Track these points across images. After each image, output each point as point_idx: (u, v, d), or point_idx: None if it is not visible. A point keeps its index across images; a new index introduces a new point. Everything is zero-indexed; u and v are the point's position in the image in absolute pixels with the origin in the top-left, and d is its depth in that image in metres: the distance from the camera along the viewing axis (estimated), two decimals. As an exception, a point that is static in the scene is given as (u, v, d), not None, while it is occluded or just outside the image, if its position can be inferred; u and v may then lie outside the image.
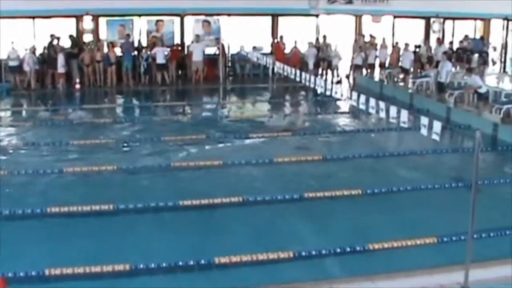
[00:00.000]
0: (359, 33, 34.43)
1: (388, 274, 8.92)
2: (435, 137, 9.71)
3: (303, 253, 9.83)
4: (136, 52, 29.15)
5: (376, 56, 31.35)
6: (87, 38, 29.26)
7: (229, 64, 31.99)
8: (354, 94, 13.65)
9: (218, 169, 15.02)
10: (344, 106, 23.00)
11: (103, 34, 29.87)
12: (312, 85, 17.28)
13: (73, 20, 29.32)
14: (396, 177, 14.84)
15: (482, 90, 21.41)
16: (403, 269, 9.13)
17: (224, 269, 9.48)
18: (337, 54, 31.47)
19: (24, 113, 23.06)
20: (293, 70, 19.19)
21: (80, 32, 29.39)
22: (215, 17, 31.44)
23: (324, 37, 32.29)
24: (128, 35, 29.14)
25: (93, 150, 16.65)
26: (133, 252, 9.97)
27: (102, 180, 14.01)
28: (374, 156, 16.46)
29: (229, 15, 31.39)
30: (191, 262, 9.44)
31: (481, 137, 8.11)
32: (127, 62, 28.35)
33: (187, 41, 30.90)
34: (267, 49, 32.02)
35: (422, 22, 36.03)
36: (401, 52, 29.87)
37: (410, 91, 26.18)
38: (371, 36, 33.23)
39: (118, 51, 28.72)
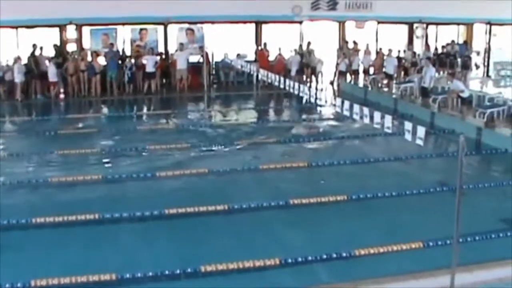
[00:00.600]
0: (342, 39, 34.54)
1: (374, 279, 8.94)
2: (419, 142, 9.77)
3: (289, 260, 9.82)
4: (120, 61, 29.08)
5: (360, 62, 31.43)
6: (71, 47, 29.21)
7: (213, 72, 31.97)
8: (339, 100, 13.69)
9: (203, 177, 15.01)
10: (328, 112, 23.03)
11: (86, 43, 29.84)
12: (296, 92, 17.30)
13: (57, 29, 29.28)
14: (381, 182, 14.84)
15: (465, 95, 21.52)
16: (389, 274, 9.14)
17: (210, 277, 9.46)
18: (320, 60, 31.54)
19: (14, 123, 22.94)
20: (277, 77, 19.21)
21: (63, 42, 29.35)
22: (199, 25, 31.45)
23: (309, 43, 32.36)
24: (112, 44, 29.11)
25: (78, 159, 16.60)
26: (119, 261, 9.92)
27: (87, 189, 13.96)
28: (359, 162, 16.48)
29: (212, 23, 31.41)
30: (177, 271, 9.42)
31: (465, 141, 8.14)
32: (112, 71, 28.28)
33: (171, 50, 30.85)
34: (251, 56, 32.06)
35: (405, 28, 36.19)
36: (385, 58, 29.96)
37: (394, 96, 26.27)
38: (354, 42, 33.36)
39: (102, 60, 28.65)
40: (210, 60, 30.96)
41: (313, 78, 31.74)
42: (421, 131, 9.71)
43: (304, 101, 24.09)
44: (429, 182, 14.60)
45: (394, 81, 28.23)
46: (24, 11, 26.35)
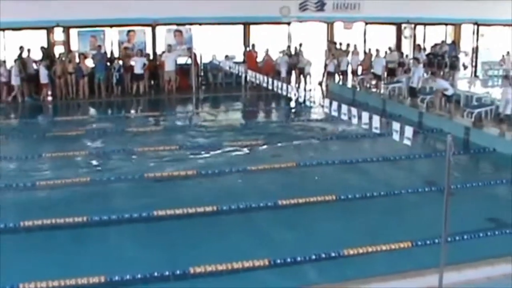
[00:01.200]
0: (330, 40, 34.58)
1: (363, 279, 8.95)
2: (407, 142, 9.79)
3: (278, 261, 9.81)
4: (108, 63, 29.01)
5: (348, 63, 31.46)
6: (58, 49, 29.13)
7: (202, 74, 31.93)
8: (327, 101, 13.71)
9: (192, 178, 14.99)
10: (317, 113, 23.04)
11: (74, 45, 29.75)
12: (284, 93, 17.31)
13: (44, 32, 29.21)
14: (370, 182, 14.88)
15: (449, 93, 21.55)
16: (378, 274, 9.15)
17: (199, 279, 9.45)
18: (308, 61, 31.56)
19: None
20: (266, 78, 19.21)
21: (51, 44, 29.27)
22: (187, 27, 31.42)
23: (300, 45, 32.38)
24: (100, 46, 29.03)
25: (66, 162, 16.55)
26: (108, 264, 9.91)
27: (76, 192, 13.91)
28: (348, 162, 16.51)
29: (200, 24, 31.39)
30: (167, 273, 9.40)
31: (453, 141, 8.16)
32: (100, 73, 28.18)
33: (159, 51, 30.80)
34: (240, 57, 32.04)
35: (393, 28, 36.27)
36: (373, 59, 29.99)
37: (382, 96, 26.31)
38: (340, 44, 33.45)
39: (90, 62, 28.57)
40: (199, 61, 30.93)
41: (302, 79, 31.75)
42: (409, 131, 9.73)
43: (292, 102, 24.19)
44: (418, 182, 14.66)
45: (383, 82, 28.25)
46: (11, 13, 26.18)
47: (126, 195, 13.73)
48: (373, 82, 29.18)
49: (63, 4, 27.15)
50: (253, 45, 32.10)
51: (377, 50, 29.71)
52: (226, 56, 30.17)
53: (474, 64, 37.61)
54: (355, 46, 32.87)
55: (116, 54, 29.92)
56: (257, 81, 20.17)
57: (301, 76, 31.64)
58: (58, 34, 29.27)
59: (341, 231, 11.44)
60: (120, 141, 18.94)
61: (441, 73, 29.02)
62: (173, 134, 20.24)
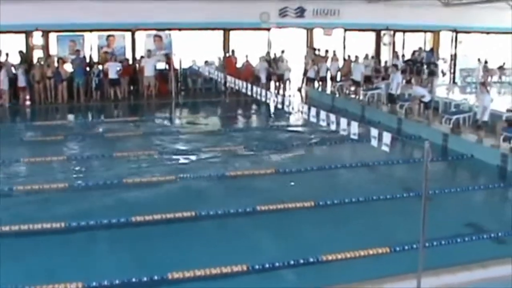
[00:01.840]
0: (310, 46, 34.66)
1: (341, 285, 8.96)
2: (385, 148, 9.81)
3: (257, 266, 9.81)
4: (87, 68, 28.91)
5: (327, 69, 31.53)
6: (37, 54, 29.00)
7: (181, 79, 31.89)
8: (306, 107, 13.73)
9: (171, 184, 14.96)
10: (296, 119, 23.08)
11: (53, 49, 29.63)
12: (264, 99, 17.33)
13: (23, 35, 29.06)
14: (348, 188, 14.94)
15: (426, 99, 21.65)
16: (357, 279, 9.16)
17: (177, 284, 9.42)
18: (288, 67, 31.65)
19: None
20: (245, 84, 19.22)
21: (30, 48, 29.13)
22: (167, 32, 31.40)
23: (282, 51, 32.45)
24: (79, 51, 28.95)
25: (44, 167, 16.46)
26: (86, 270, 9.85)
27: (53, 198, 13.83)
28: (326, 168, 16.56)
29: (180, 29, 31.38)
30: (145, 278, 9.36)
31: (432, 147, 8.21)
32: (79, 78, 28.10)
33: (139, 56, 30.73)
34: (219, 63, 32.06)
35: (373, 35, 36.43)
36: (352, 65, 30.06)
37: (361, 103, 26.39)
38: (319, 50, 33.58)
39: (69, 66, 28.47)
40: (178, 67, 30.88)
41: (281, 85, 31.82)
42: (387, 137, 9.76)
43: (271, 108, 24.21)
44: (396, 188, 14.70)
45: (362, 88, 28.33)
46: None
47: (105, 201, 13.65)
48: (352, 88, 29.26)
49: (42, 8, 27.04)
50: (232, 51, 32.14)
51: (356, 57, 29.79)
52: (206, 62, 30.17)
53: (452, 71, 37.83)
54: (334, 52, 32.97)
55: (95, 59, 29.82)
56: (237, 87, 20.18)
57: (281, 82, 31.72)
58: (37, 38, 29.11)
59: (319, 236, 11.45)
60: (98, 146, 18.88)
61: (420, 79, 29.17)
62: (151, 139, 20.18)
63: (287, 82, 32.02)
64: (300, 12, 33.32)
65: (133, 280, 9.31)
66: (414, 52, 33.37)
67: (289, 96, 29.07)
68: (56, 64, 28.14)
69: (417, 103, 22.12)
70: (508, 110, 19.80)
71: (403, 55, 33.54)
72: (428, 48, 36.54)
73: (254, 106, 27.53)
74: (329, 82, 31.75)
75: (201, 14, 30.06)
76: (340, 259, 10.20)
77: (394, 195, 13.89)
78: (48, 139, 19.82)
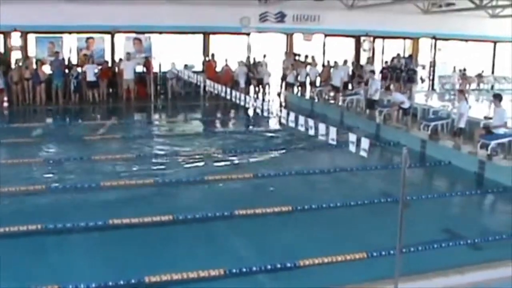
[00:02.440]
0: (290, 51, 34.76)
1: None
2: (363, 153, 9.84)
3: (234, 270, 9.79)
4: (66, 70, 28.79)
5: (307, 74, 31.62)
6: (16, 55, 28.84)
7: (161, 82, 31.83)
8: (285, 112, 13.75)
9: (148, 187, 14.91)
10: (274, 123, 23.11)
11: (32, 51, 29.48)
12: (243, 103, 17.34)
13: (1, 36, 28.91)
14: (326, 193, 14.98)
15: (406, 106, 21.74)
16: (334, 285, 9.16)
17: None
18: (267, 72, 31.73)
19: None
20: (224, 88, 19.24)
21: (8, 49, 28.97)
22: (147, 35, 31.35)
23: (264, 56, 32.51)
24: (58, 53, 28.82)
25: (21, 169, 16.34)
26: (62, 273, 9.78)
27: (30, 200, 13.73)
28: (304, 173, 16.58)
29: (160, 33, 31.34)
30: (121, 282, 9.31)
31: (410, 154, 8.24)
32: (57, 80, 28.00)
33: (118, 59, 30.65)
34: (199, 67, 32.07)
35: (352, 41, 36.58)
36: (331, 70, 30.14)
37: (340, 108, 26.46)
38: (298, 55, 33.69)
39: (47, 68, 28.34)
40: (157, 70, 30.84)
41: (261, 89, 31.91)
42: (365, 143, 9.78)
43: (251, 112, 24.23)
44: (374, 194, 14.73)
45: (341, 93, 28.40)
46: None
47: (82, 204, 13.57)
48: (332, 93, 29.36)
49: (21, 9, 26.89)
50: (212, 55, 32.17)
51: (336, 62, 29.87)
52: (185, 65, 30.17)
53: (431, 77, 38.05)
54: (313, 57, 33.07)
55: (74, 61, 29.69)
56: (216, 91, 20.20)
57: (260, 86, 31.79)
58: (16, 40, 28.95)
59: (297, 241, 11.43)
60: (76, 149, 18.79)
61: (400, 86, 29.32)
62: (130, 143, 20.11)
63: (267, 86, 32.09)
64: (281, 17, 33.41)
65: (110, 283, 9.25)
66: (393, 58, 33.48)
67: (269, 100, 29.15)
68: (34, 66, 28.02)
69: (396, 109, 22.20)
70: (485, 117, 19.90)
71: (386, 62, 33.67)
72: (407, 55, 36.72)
73: (233, 110, 27.54)
74: (308, 87, 31.83)
75: (181, 18, 30.08)
76: (317, 264, 10.18)
77: (371, 200, 13.90)
78: (26, 141, 19.69)
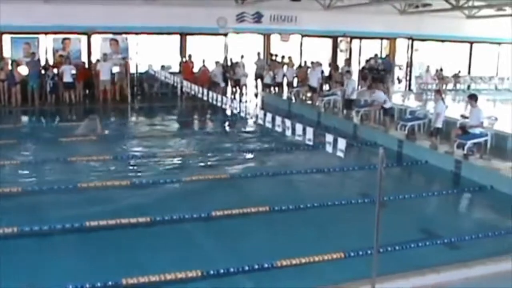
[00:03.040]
0: (267, 52, 34.79)
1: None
2: (340, 154, 9.85)
3: (211, 272, 9.77)
4: (43, 71, 28.62)
5: (284, 75, 31.66)
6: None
7: (138, 83, 31.74)
8: (262, 113, 13.75)
9: (125, 189, 14.85)
10: (251, 124, 23.11)
11: (7, 52, 29.28)
12: (220, 104, 17.33)
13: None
14: (303, 194, 14.99)
15: (388, 105, 21.78)
16: (311, 285, 9.16)
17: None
18: (244, 73, 31.76)
19: None
20: (201, 89, 19.22)
21: (-18, 50, 28.81)
22: (123, 36, 31.25)
23: (242, 56, 32.52)
24: (34, 54, 28.63)
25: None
26: (39, 276, 9.71)
27: (5, 202, 13.61)
28: (281, 173, 16.58)
29: (137, 33, 31.24)
30: (98, 284, 9.26)
31: (387, 153, 8.26)
32: (33, 81, 27.81)
33: (95, 60, 30.52)
34: (176, 68, 32.03)
35: (329, 41, 36.67)
36: (308, 71, 30.18)
37: (317, 109, 26.48)
38: (275, 55, 33.76)
39: (23, 69, 28.15)
40: (134, 71, 30.77)
41: (238, 90, 31.94)
42: (341, 143, 9.80)
43: (227, 113, 24.21)
44: (351, 194, 14.77)
45: (318, 94, 28.44)
46: None
47: (59, 205, 13.47)
48: (309, 94, 29.40)
49: (-4, 9, 26.71)
50: (189, 56, 32.13)
51: (313, 63, 29.91)
52: (162, 66, 30.11)
53: (408, 78, 38.22)
54: (290, 58, 33.13)
55: (50, 62, 29.53)
56: (193, 92, 20.16)
57: (237, 87, 31.81)
58: (-10, 40, 28.79)
59: (274, 242, 11.42)
60: (52, 150, 18.67)
61: (377, 86, 29.46)
62: (106, 144, 20.02)
63: (244, 87, 32.11)
64: (258, 17, 33.46)
65: (87, 286, 9.19)
66: (370, 59, 33.59)
67: (246, 101, 29.17)
68: (10, 67, 27.82)
69: (378, 109, 22.23)
70: (462, 116, 19.98)
71: (367, 60, 33.76)
72: (384, 55, 36.88)
73: (210, 111, 27.51)
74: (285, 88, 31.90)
75: (158, 19, 30.05)
76: (295, 265, 10.18)
77: (349, 200, 13.94)
78: (1, 143, 19.53)
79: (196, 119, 27.31)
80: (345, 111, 24.82)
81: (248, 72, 32.51)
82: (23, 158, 17.84)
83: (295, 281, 9.55)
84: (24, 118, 26.04)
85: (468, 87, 39.00)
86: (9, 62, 28.21)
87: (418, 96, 31.15)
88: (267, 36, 35.11)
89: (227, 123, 25.38)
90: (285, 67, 32.46)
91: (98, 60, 29.95)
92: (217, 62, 31.85)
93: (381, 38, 38.05)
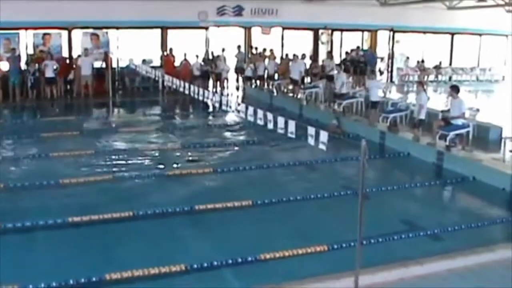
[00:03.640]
0: (249, 45, 34.75)
1: (278, 284, 8.96)
2: (322, 146, 9.84)
3: (195, 266, 9.76)
4: (25, 66, 28.46)
5: (265, 68, 31.63)
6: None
7: (119, 78, 31.62)
8: (244, 106, 13.74)
9: (108, 184, 14.81)
10: (233, 118, 23.10)
11: (-13, 48, 29.12)
12: (201, 98, 17.30)
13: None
14: (286, 187, 14.99)
15: (375, 99, 21.68)
16: (295, 278, 9.17)
17: (115, 285, 9.32)
18: (226, 66, 31.72)
19: None
20: (183, 83, 19.17)
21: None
22: (104, 30, 31.10)
23: (223, 50, 32.47)
24: (14, 49, 28.44)
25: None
26: (22, 272, 9.68)
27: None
28: (264, 167, 16.59)
29: (117, 28, 31.11)
30: (82, 280, 9.23)
31: (369, 146, 8.26)
32: (14, 76, 27.63)
33: (76, 55, 30.36)
34: (157, 62, 31.95)
35: (311, 34, 36.67)
36: (290, 64, 30.15)
37: (299, 101, 26.48)
38: (255, 48, 33.75)
39: (3, 65, 27.97)
40: (115, 65, 30.65)
41: (219, 83, 31.90)
42: (324, 136, 9.79)
43: (209, 106, 24.18)
44: (333, 186, 14.78)
45: (299, 87, 28.41)
46: None
47: (41, 201, 13.42)
48: (290, 87, 29.40)
49: (-25, 5, 26.50)
50: (170, 50, 32.04)
51: (295, 55, 29.89)
52: (143, 60, 30.01)
53: (389, 69, 38.28)
54: (271, 51, 33.09)
55: (31, 58, 29.35)
56: (174, 86, 20.11)
57: (219, 80, 31.77)
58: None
59: (257, 235, 11.43)
60: (34, 146, 18.60)
61: (358, 78, 29.59)
62: (88, 139, 19.93)
63: (225, 80, 32.08)
64: (238, 10, 33.41)
65: (71, 281, 9.17)
66: (351, 50, 33.57)
67: (227, 94, 29.14)
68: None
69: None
70: (442, 111, 20.02)
71: (347, 53, 33.78)
72: (365, 47, 36.93)
73: (191, 105, 27.49)
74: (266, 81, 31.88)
75: (138, 13, 29.94)
76: (279, 258, 10.21)
77: (331, 193, 13.96)
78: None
79: (177, 113, 27.24)
80: (327, 104, 24.90)
81: (229, 65, 32.43)
82: (4, 154, 17.77)
83: (279, 275, 9.54)
84: (5, 114, 25.78)
85: (450, 78, 39.16)
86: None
87: (400, 88, 31.21)
88: (248, 29, 35.04)
89: (208, 117, 25.32)
90: (266, 60, 32.38)
91: (79, 55, 29.77)
92: (197, 56, 31.75)
93: (363, 30, 38.09)
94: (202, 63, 31.53)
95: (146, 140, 19.98)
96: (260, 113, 12.63)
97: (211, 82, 32.23)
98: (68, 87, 29.72)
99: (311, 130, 10.08)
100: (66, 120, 23.63)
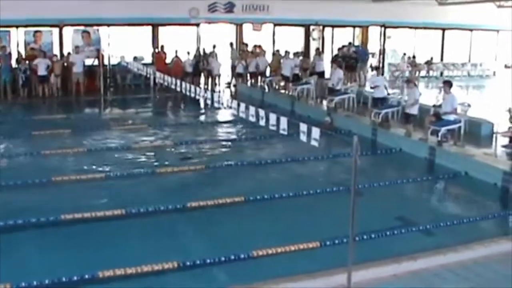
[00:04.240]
0: (240, 41, 34.72)
1: (272, 280, 8.94)
2: (314, 143, 9.82)
3: (188, 263, 9.76)
4: (16, 64, 28.36)
5: (256, 64, 31.59)
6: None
7: (110, 75, 31.56)
8: (236, 103, 13.73)
9: (100, 182, 14.78)
10: (225, 114, 23.09)
11: (-23, 46, 28.98)
12: (193, 95, 17.28)
13: None
14: (279, 183, 15.00)
15: (377, 95, 21.68)
16: (287, 274, 9.16)
17: (108, 283, 9.30)
18: (217, 63, 31.70)
19: None
20: (174, 80, 19.15)
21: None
22: (95, 28, 31.02)
23: (214, 46, 32.42)
24: (5, 47, 28.34)
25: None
26: (14, 270, 9.65)
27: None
28: (256, 163, 16.59)
29: (108, 25, 31.04)
30: (75, 277, 9.21)
31: (361, 142, 8.27)
32: (5, 75, 27.54)
33: (67, 52, 30.27)
34: (148, 59, 31.90)
35: (302, 30, 36.67)
36: (281, 60, 30.13)
37: (291, 98, 26.48)
38: (246, 45, 33.72)
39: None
40: (107, 63, 30.59)
41: (211, 80, 31.88)
42: (316, 132, 9.78)
43: (201, 103, 24.17)
44: (326, 183, 14.81)
45: (291, 83, 28.40)
46: None
47: (33, 199, 13.39)
48: (282, 83, 29.40)
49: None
50: (162, 47, 32.00)
51: (286, 52, 29.87)
52: (135, 58, 29.95)
53: (381, 65, 38.29)
54: (259, 47, 33.09)
55: (22, 56, 29.24)
56: (166, 83, 20.08)
57: (211, 77, 31.75)
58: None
59: (250, 232, 11.42)
60: (26, 144, 18.56)
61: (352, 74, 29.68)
62: (80, 137, 19.88)
63: (217, 77, 32.04)
64: (229, 7, 33.36)
65: (63, 279, 9.15)
66: (343, 46, 33.53)
67: (219, 91, 29.11)
68: (-19, 61, 27.56)
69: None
70: (434, 106, 20.04)
71: (339, 48, 33.74)
72: (357, 43, 36.94)
73: (183, 102, 27.47)
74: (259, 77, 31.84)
75: (129, 10, 29.83)
76: (271, 255, 10.20)
77: (324, 189, 13.98)
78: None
79: (169, 110, 27.23)
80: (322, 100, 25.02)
81: (221, 62, 32.39)
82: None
83: (272, 271, 9.52)
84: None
85: (441, 73, 39.21)
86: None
87: (391, 84, 31.21)
88: (239, 26, 35.01)
89: (200, 114, 25.31)
90: (257, 56, 32.32)
91: (69, 53, 29.69)
92: (189, 53, 31.73)
93: (354, 26, 38.12)
94: (192, 60, 31.52)
95: (138, 138, 19.93)
96: (252, 109, 12.61)
97: (202, 79, 32.22)
98: (60, 84, 29.54)
99: (303, 127, 10.07)
100: (57, 118, 23.55)
